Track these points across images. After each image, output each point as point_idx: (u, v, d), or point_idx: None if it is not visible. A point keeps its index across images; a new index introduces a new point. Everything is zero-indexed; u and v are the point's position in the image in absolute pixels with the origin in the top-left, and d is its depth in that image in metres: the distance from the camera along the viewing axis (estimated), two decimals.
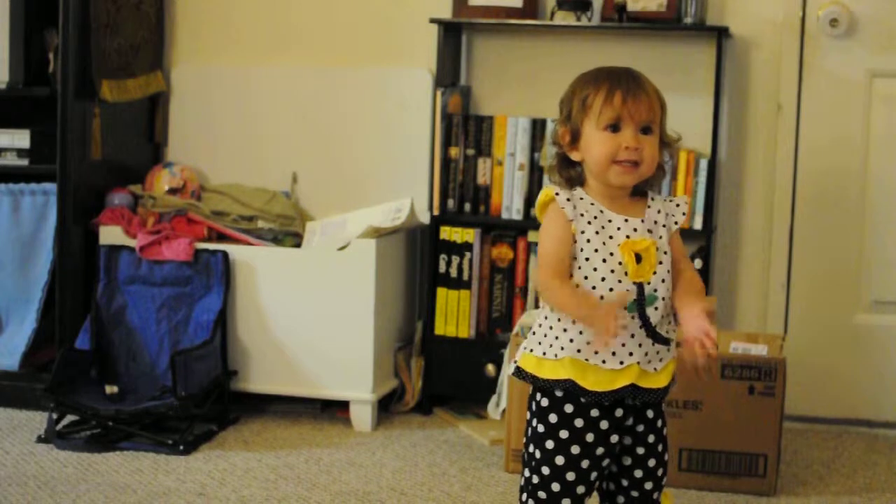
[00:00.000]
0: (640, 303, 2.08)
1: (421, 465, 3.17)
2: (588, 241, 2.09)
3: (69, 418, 3.32)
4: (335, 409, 3.56)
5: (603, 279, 2.07)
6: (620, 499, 2.18)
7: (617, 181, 2.10)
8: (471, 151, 3.60)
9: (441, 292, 3.60)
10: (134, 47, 3.75)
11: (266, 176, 3.85)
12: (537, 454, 2.13)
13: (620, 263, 2.08)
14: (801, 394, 3.55)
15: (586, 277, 2.08)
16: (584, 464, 2.10)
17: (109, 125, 3.65)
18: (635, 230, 2.11)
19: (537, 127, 3.54)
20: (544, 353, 2.11)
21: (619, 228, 2.11)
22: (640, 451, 2.15)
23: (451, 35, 3.67)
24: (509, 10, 3.61)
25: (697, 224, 3.44)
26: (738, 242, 3.67)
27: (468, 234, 3.58)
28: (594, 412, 2.10)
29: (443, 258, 3.60)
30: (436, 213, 3.61)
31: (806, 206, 3.59)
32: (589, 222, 2.10)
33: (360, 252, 3.41)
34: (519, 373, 2.15)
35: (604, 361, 2.07)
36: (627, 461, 2.16)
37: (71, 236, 3.54)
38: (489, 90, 3.78)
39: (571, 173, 2.15)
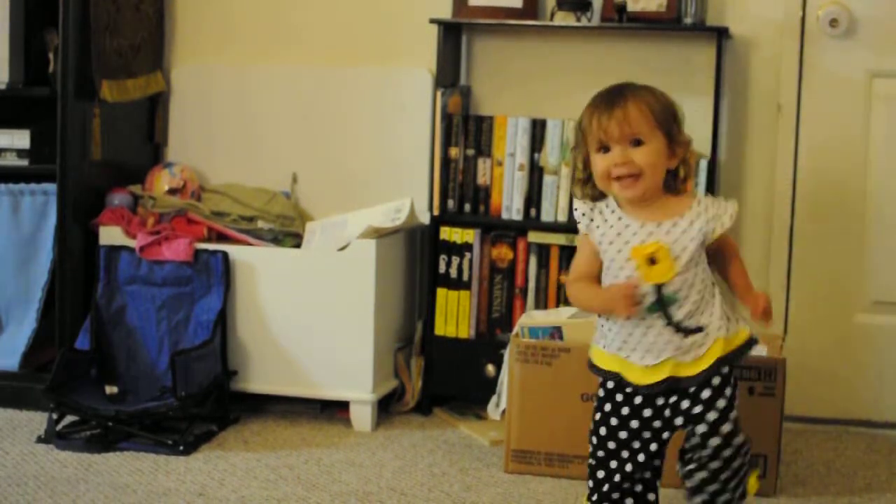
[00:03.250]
0: (661, 303, 2.16)
1: (421, 466, 3.17)
2: (607, 248, 2.30)
3: (69, 418, 3.32)
4: (335, 410, 3.56)
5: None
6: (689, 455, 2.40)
7: (622, 195, 2.29)
8: (471, 152, 3.60)
9: (441, 292, 3.60)
10: (134, 47, 3.75)
11: (266, 176, 3.85)
12: (593, 440, 2.40)
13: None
14: (801, 394, 3.54)
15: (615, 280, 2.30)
16: (635, 444, 2.35)
17: (109, 125, 3.65)
18: (651, 234, 2.21)
19: (537, 127, 3.54)
20: (604, 346, 2.32)
21: (634, 234, 2.27)
22: (697, 409, 2.31)
23: (451, 35, 3.67)
24: (509, 11, 3.61)
25: None
26: (738, 243, 3.65)
27: (468, 235, 3.58)
28: (637, 399, 2.30)
29: (443, 258, 3.60)
30: (436, 213, 3.61)
31: (806, 207, 3.59)
32: (605, 232, 2.30)
33: (360, 252, 3.41)
34: (590, 365, 2.40)
35: (641, 358, 2.27)
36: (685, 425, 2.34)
37: (71, 236, 3.54)
38: (489, 90, 3.78)
39: (596, 191, 2.36)
